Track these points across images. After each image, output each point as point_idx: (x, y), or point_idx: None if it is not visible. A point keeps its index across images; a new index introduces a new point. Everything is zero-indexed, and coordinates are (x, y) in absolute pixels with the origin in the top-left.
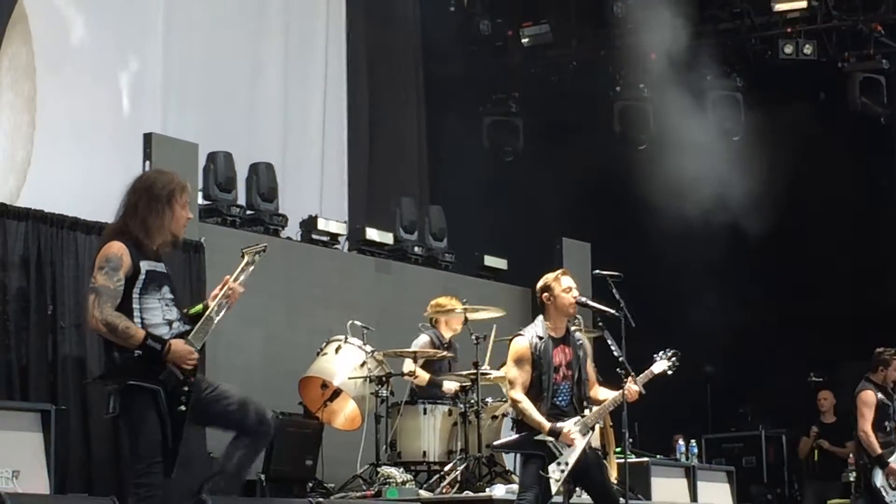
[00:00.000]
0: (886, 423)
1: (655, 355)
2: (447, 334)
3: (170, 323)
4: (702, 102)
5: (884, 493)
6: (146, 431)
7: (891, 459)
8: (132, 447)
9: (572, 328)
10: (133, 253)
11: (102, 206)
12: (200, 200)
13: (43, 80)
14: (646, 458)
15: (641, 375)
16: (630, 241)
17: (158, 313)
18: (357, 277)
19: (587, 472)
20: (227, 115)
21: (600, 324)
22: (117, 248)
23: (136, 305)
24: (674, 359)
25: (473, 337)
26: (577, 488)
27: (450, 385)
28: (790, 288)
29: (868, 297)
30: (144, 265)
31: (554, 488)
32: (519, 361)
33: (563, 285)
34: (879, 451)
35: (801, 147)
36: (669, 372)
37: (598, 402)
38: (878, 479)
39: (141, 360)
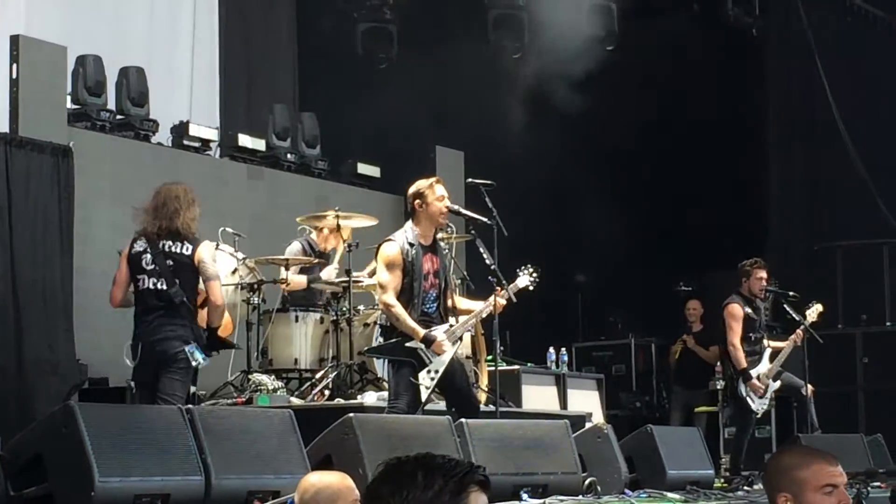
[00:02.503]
0: (752, 335)
1: (518, 270)
2: (322, 244)
3: None
4: (576, 12)
5: (749, 402)
6: None
7: (753, 371)
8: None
9: (440, 236)
10: None
11: None
12: (69, 105)
13: None
14: (517, 366)
15: (510, 287)
16: (503, 150)
17: None
18: (229, 184)
19: (452, 379)
20: (93, 17)
21: (472, 232)
22: None
23: None
24: (535, 274)
25: (346, 245)
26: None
27: (329, 273)
28: (659, 197)
29: (736, 206)
30: None
31: (424, 395)
32: (390, 266)
33: (437, 193)
34: (745, 364)
35: (673, 58)
36: (531, 287)
37: (461, 311)
38: (744, 387)
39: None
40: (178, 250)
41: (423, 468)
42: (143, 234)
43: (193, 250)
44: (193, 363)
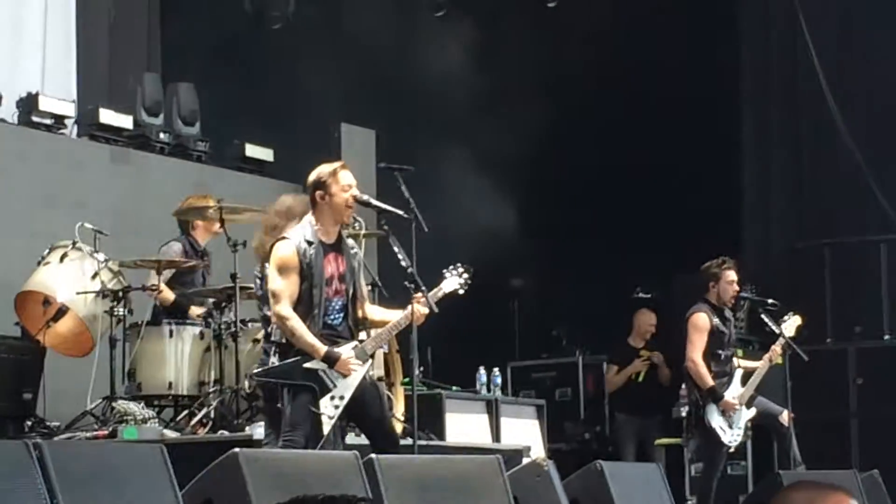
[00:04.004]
0: (720, 352)
1: (445, 271)
2: (203, 240)
3: None
4: None
5: (720, 434)
6: None
7: (726, 393)
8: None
9: (345, 233)
10: None
11: None
12: None
13: None
14: (439, 391)
15: (430, 294)
16: (422, 129)
17: None
18: (88, 169)
19: (364, 407)
20: None
21: (385, 227)
22: None
23: None
24: (465, 275)
25: (231, 244)
26: (353, 426)
27: (197, 310)
28: (611, 185)
29: (704, 196)
30: None
31: (326, 427)
32: (284, 270)
33: (341, 182)
34: (711, 382)
35: (626, 17)
36: (461, 291)
37: (373, 323)
38: (714, 417)
39: None
40: (261, 272)
41: None
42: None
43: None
44: None
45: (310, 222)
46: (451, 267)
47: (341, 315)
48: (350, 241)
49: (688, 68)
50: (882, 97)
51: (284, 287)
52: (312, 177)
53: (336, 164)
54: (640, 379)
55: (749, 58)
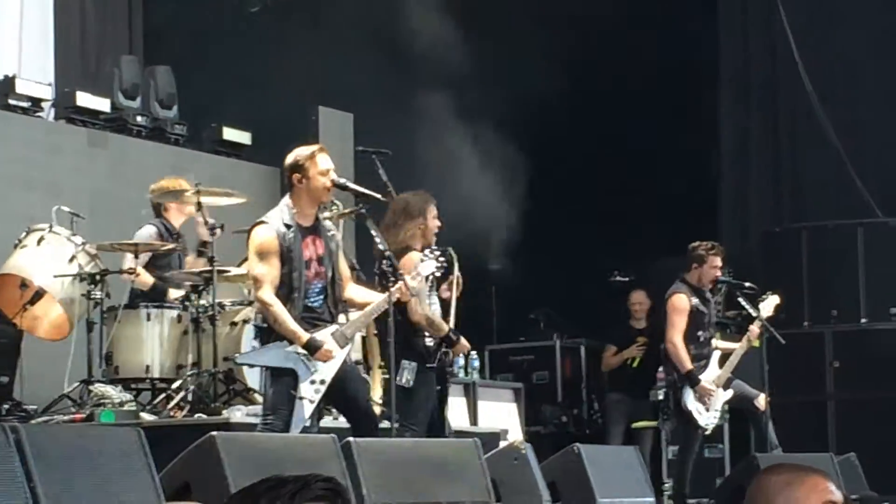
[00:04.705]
0: (700, 334)
1: (421, 255)
2: (177, 222)
3: None
4: None
5: (696, 416)
6: None
7: (703, 376)
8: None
9: (324, 215)
10: None
11: None
12: None
13: None
14: None
15: (409, 276)
16: (399, 112)
17: None
18: (65, 153)
19: (344, 390)
20: None
21: (363, 210)
22: None
23: None
24: (442, 258)
25: (209, 227)
26: (332, 409)
27: (175, 293)
28: (589, 169)
29: (682, 180)
30: None
31: (307, 411)
32: (264, 255)
33: (320, 166)
34: (690, 366)
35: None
36: (438, 273)
37: (354, 304)
38: (690, 400)
39: None
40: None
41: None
42: None
43: (397, 261)
44: (402, 382)
45: (287, 205)
46: (427, 249)
47: (321, 298)
48: (327, 224)
49: (667, 53)
50: (859, 82)
51: (266, 272)
52: (290, 159)
53: (314, 148)
54: (636, 364)
55: (728, 44)
